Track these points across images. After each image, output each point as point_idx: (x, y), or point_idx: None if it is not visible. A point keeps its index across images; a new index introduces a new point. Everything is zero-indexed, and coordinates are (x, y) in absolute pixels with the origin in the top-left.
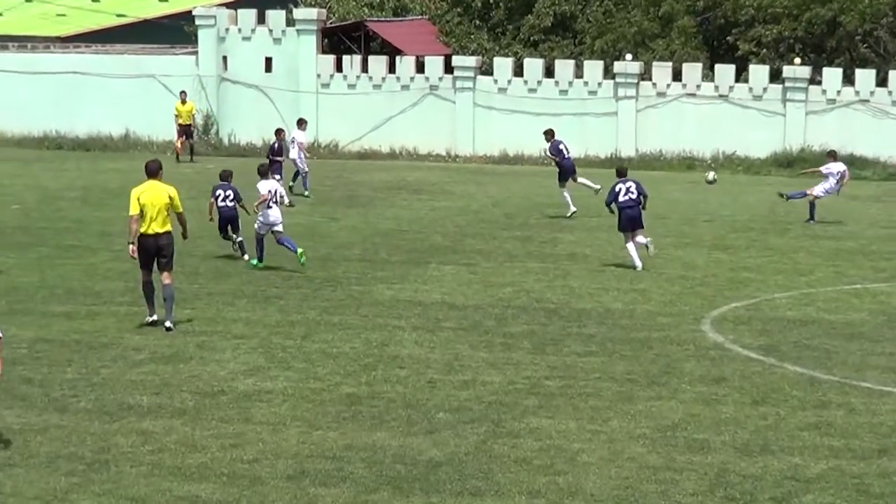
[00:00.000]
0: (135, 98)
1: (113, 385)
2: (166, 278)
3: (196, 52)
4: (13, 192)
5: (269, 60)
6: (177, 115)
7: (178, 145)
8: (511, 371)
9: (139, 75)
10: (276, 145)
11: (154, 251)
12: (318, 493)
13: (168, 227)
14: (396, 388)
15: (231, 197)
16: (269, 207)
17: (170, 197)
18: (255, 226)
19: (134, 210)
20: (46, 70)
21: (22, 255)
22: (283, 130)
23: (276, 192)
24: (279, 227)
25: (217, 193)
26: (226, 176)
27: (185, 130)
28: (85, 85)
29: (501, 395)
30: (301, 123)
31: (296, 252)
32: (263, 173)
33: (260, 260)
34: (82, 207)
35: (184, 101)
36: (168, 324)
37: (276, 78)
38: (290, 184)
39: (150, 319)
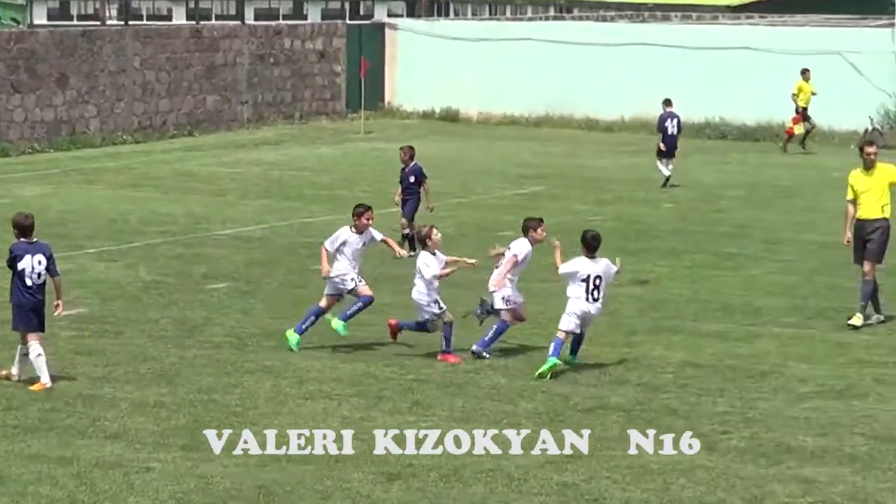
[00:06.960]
0: (815, 79)
1: (771, 422)
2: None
3: (894, 24)
4: (668, 189)
5: None
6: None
7: (795, 128)
8: None
9: (821, 52)
10: None
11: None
12: None
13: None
14: None
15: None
16: None
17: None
18: None
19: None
20: (711, 45)
21: (674, 262)
22: None
23: None
24: None
25: None
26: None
27: (804, 114)
28: (756, 63)
29: None
30: None
31: None
32: None
33: None
34: (745, 208)
35: (807, 79)
36: None
37: None
38: None
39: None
